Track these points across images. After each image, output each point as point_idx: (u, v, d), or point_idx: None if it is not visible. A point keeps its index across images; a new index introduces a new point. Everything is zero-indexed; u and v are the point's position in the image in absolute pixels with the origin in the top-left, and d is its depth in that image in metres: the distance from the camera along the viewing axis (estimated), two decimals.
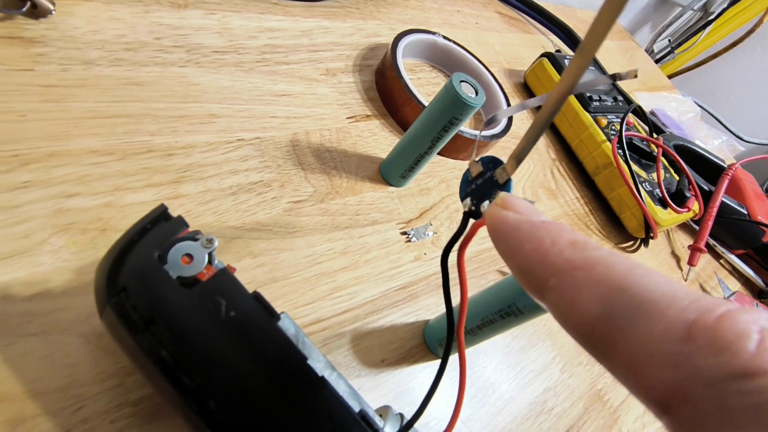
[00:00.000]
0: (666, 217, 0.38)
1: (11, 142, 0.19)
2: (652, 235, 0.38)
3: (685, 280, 0.42)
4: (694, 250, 0.43)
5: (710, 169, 0.49)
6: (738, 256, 0.48)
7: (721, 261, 0.48)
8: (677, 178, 0.43)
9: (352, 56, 0.35)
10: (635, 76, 0.15)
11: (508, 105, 0.37)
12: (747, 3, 0.81)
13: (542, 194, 0.38)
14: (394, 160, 0.29)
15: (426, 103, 0.31)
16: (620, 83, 0.57)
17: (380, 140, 0.31)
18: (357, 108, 0.32)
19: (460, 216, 0.16)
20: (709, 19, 0.84)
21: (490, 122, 0.17)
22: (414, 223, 0.29)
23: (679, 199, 0.40)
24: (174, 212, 0.16)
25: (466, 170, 0.16)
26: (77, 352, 0.17)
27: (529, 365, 0.28)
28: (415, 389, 0.23)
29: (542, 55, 0.44)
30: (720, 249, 0.47)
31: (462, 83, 0.25)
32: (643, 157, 0.42)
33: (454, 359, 0.21)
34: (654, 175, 0.41)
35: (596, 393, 0.29)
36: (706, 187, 0.45)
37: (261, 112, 0.27)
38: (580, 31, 0.63)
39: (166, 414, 0.17)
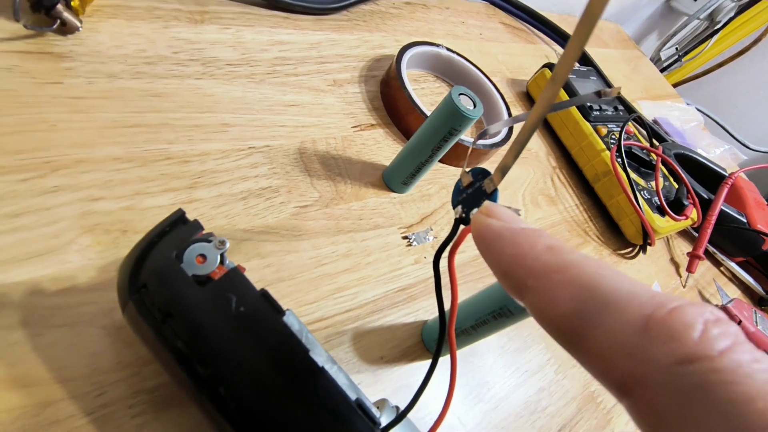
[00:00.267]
0: (663, 225, 0.39)
1: (43, 150, 0.21)
2: (649, 242, 0.39)
3: (684, 287, 0.43)
4: (692, 257, 0.43)
5: (711, 178, 0.49)
6: (738, 263, 0.48)
7: (722, 268, 0.49)
8: (676, 186, 0.44)
9: (359, 67, 0.36)
10: (618, 94, 0.17)
11: (509, 114, 0.39)
12: (754, 12, 0.81)
13: (542, 201, 0.39)
14: (397, 168, 0.30)
15: (428, 113, 0.33)
16: (624, 93, 0.58)
17: (384, 148, 0.33)
18: (362, 117, 0.33)
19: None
20: (716, 28, 0.84)
21: (483, 135, 0.18)
22: (415, 227, 0.30)
23: (677, 207, 0.41)
24: (189, 216, 0.18)
25: (458, 180, 0.17)
26: (100, 343, 0.18)
27: (524, 366, 0.29)
28: (412, 385, 0.24)
29: (544, 66, 0.45)
30: (720, 256, 0.48)
31: (461, 96, 0.26)
32: (643, 165, 0.43)
33: (459, 358, 0.23)
34: (653, 183, 0.42)
35: (590, 394, 0.30)
36: (705, 196, 0.46)
37: (271, 122, 0.29)
38: None
39: (178, 401, 0.18)
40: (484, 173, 0.16)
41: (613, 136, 0.43)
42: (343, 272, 0.26)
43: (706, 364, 0.08)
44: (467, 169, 0.17)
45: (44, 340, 0.17)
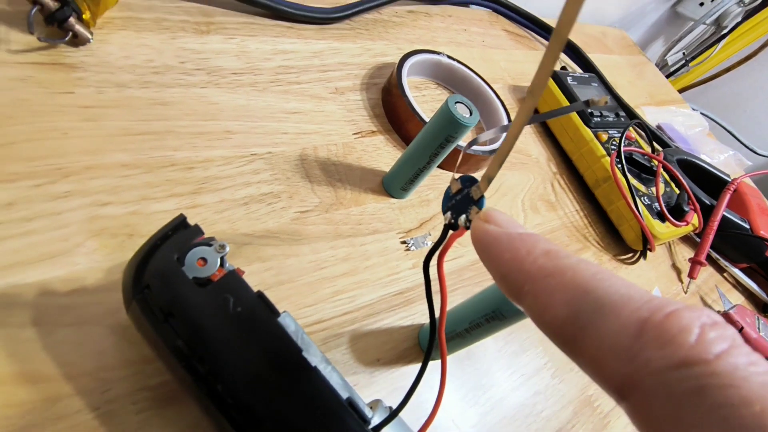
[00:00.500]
0: (664, 231, 0.39)
1: (55, 157, 0.22)
2: (649, 247, 0.39)
3: (686, 293, 0.43)
4: (694, 263, 0.44)
5: (714, 184, 0.49)
6: (742, 269, 0.48)
7: (725, 274, 0.49)
8: (678, 192, 0.44)
9: (360, 75, 0.37)
10: (606, 103, 0.17)
11: (509, 120, 0.39)
12: (761, 17, 0.81)
13: (541, 207, 0.40)
14: (396, 174, 0.31)
15: (428, 120, 0.33)
16: (628, 99, 0.59)
17: (384, 154, 0.33)
18: (363, 124, 0.34)
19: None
20: (723, 33, 0.84)
21: (473, 144, 0.19)
22: (414, 232, 0.31)
23: (677, 213, 0.41)
24: (192, 220, 0.18)
25: (448, 187, 0.18)
26: (106, 342, 0.19)
27: (521, 369, 0.29)
28: (407, 387, 0.24)
29: None
30: (723, 263, 0.48)
31: (457, 104, 0.27)
32: (644, 171, 0.43)
33: (452, 359, 0.23)
34: (653, 189, 0.42)
35: (587, 398, 0.31)
36: (708, 202, 0.46)
37: (273, 129, 0.30)
38: (588, 45, 0.64)
39: (179, 397, 0.19)
40: (472, 181, 0.17)
41: (613, 142, 0.43)
42: (341, 276, 0.26)
43: (702, 368, 0.08)
44: (456, 177, 0.18)
45: (54, 338, 0.18)
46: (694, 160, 0.51)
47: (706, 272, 0.47)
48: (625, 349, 0.09)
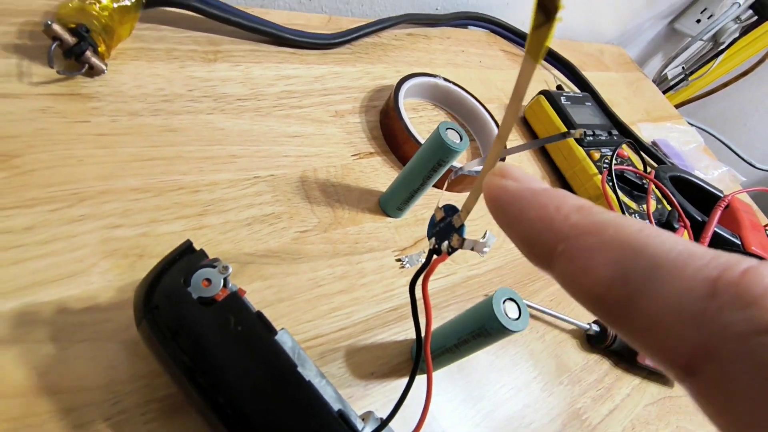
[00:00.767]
0: None
1: (71, 182, 0.24)
2: None
3: None
4: None
5: (707, 200, 0.50)
6: None
7: None
8: (669, 209, 0.45)
9: (360, 98, 0.39)
10: (581, 135, 0.19)
11: None
12: (758, 33, 0.82)
13: None
14: (392, 194, 0.32)
15: (423, 142, 0.35)
16: (624, 115, 0.60)
17: (381, 175, 0.35)
18: (361, 146, 0.36)
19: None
20: (720, 49, 0.85)
21: (457, 173, 0.20)
22: (409, 250, 0.32)
23: (667, 229, 0.42)
24: (198, 241, 0.20)
25: (433, 214, 0.19)
26: (117, 356, 0.20)
27: (511, 382, 0.30)
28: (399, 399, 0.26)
29: (539, 93, 0.47)
30: None
31: (448, 130, 0.28)
32: (636, 188, 0.44)
33: (444, 373, 0.24)
34: (645, 206, 0.43)
35: (575, 411, 0.32)
36: (699, 218, 0.47)
37: (275, 152, 0.31)
38: (585, 64, 0.66)
39: (185, 409, 0.20)
40: (454, 210, 0.19)
41: (606, 161, 0.44)
42: (338, 293, 0.28)
43: None
44: (440, 206, 0.19)
45: (70, 353, 0.20)
46: (687, 176, 0.52)
47: None
48: (695, 314, 0.08)
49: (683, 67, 0.98)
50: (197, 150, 0.28)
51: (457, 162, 0.35)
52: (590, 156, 0.44)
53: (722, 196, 0.51)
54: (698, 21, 0.83)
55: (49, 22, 0.25)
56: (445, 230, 0.18)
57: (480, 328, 0.23)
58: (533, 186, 0.11)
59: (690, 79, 0.97)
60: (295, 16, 0.41)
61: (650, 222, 0.41)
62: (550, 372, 0.32)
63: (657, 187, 0.45)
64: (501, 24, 0.56)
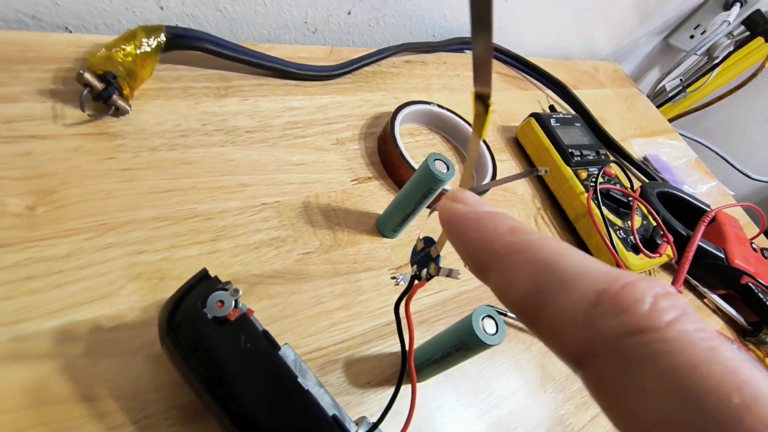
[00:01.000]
0: (637, 262, 0.43)
1: (100, 214, 0.27)
2: None
3: None
4: None
5: (694, 214, 0.53)
6: (721, 296, 0.51)
7: (705, 300, 0.52)
8: (655, 224, 0.48)
9: (359, 126, 0.42)
10: (546, 172, 0.22)
11: (493, 163, 0.43)
12: (751, 48, 0.84)
13: None
14: (387, 217, 0.35)
15: (417, 167, 0.38)
16: (616, 132, 0.63)
17: (378, 199, 0.38)
18: (360, 171, 0.39)
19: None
20: (714, 63, 0.87)
21: (432, 211, 0.23)
22: (403, 269, 0.35)
23: (651, 245, 0.44)
24: (211, 263, 0.23)
25: (414, 245, 0.22)
26: (143, 369, 0.24)
27: (497, 391, 0.33)
28: (394, 407, 0.29)
29: (530, 115, 0.50)
30: (702, 289, 0.51)
31: (436, 161, 0.31)
32: (621, 206, 0.47)
33: (434, 382, 0.27)
34: (629, 222, 0.46)
35: (559, 418, 0.34)
36: (684, 233, 0.49)
37: (281, 180, 0.34)
38: (579, 81, 0.69)
39: (203, 415, 0.23)
40: (431, 242, 0.21)
41: (593, 179, 0.47)
42: (338, 309, 0.31)
43: (653, 335, 0.09)
44: (420, 237, 0.22)
45: (102, 366, 0.23)
46: (674, 192, 0.54)
47: (686, 298, 0.50)
48: (583, 319, 0.10)
49: (681, 79, 1.00)
50: (210, 180, 0.32)
51: (449, 185, 0.38)
52: (578, 175, 0.46)
53: (709, 210, 0.53)
54: (692, 36, 0.85)
55: (81, 72, 0.29)
56: (425, 259, 0.21)
57: (461, 342, 0.26)
58: (478, 209, 0.13)
59: (688, 91, 0.99)
60: (300, 49, 0.44)
61: (635, 238, 0.44)
62: (535, 381, 0.35)
63: (642, 204, 0.47)
64: (495, 47, 0.59)
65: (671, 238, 0.46)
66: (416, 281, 0.21)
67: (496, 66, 0.60)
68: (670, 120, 1.07)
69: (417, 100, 0.43)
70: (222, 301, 0.22)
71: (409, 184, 0.32)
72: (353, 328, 0.31)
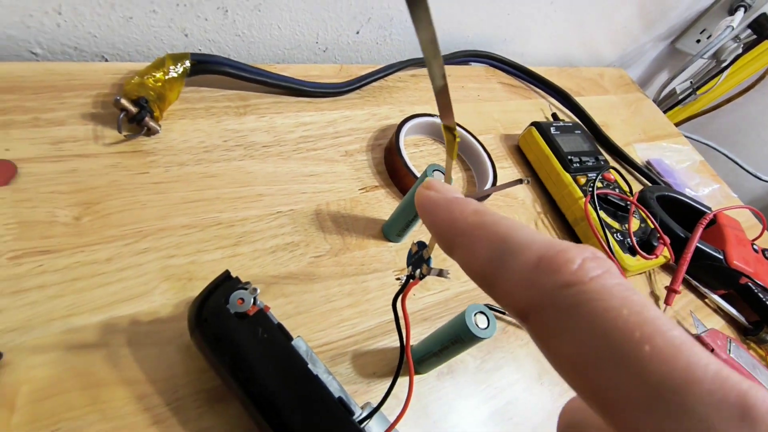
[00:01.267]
0: (634, 264, 0.45)
1: (137, 222, 0.31)
2: None
3: None
4: (669, 291, 0.49)
5: (694, 217, 0.54)
6: (722, 295, 0.53)
7: (706, 300, 0.53)
8: (652, 227, 0.49)
9: (367, 138, 0.45)
10: (528, 182, 0.24)
11: (494, 171, 0.46)
12: (758, 51, 0.85)
13: None
14: (392, 223, 0.38)
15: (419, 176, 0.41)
16: (619, 137, 0.64)
17: (384, 206, 0.41)
18: (368, 180, 0.42)
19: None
20: (723, 66, 0.88)
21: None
22: (407, 270, 0.38)
23: (647, 247, 0.46)
24: (233, 266, 0.26)
25: (410, 248, 0.25)
26: (175, 357, 0.27)
27: (496, 383, 0.36)
28: (398, 395, 0.32)
29: (531, 124, 0.53)
30: (703, 290, 0.52)
31: (435, 172, 0.34)
32: (620, 209, 0.49)
33: (435, 374, 0.30)
34: (626, 225, 0.48)
35: (554, 409, 0.36)
36: (682, 235, 0.51)
37: (294, 190, 0.38)
38: (582, 88, 0.71)
39: (226, 397, 0.27)
40: (424, 245, 0.24)
41: (591, 185, 0.49)
42: (346, 307, 0.34)
43: (580, 287, 0.11)
44: (415, 241, 0.25)
45: (140, 354, 0.26)
46: (674, 195, 0.56)
47: (687, 298, 0.52)
48: (527, 279, 0.11)
49: (691, 82, 1.01)
50: (231, 191, 0.35)
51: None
52: (576, 181, 0.49)
53: (708, 212, 0.54)
54: (698, 41, 0.86)
55: (118, 98, 0.32)
56: (418, 261, 0.24)
57: (456, 336, 0.28)
58: (447, 195, 0.15)
59: (698, 93, 1.00)
60: (311, 68, 0.47)
61: (631, 240, 0.46)
62: (531, 374, 0.37)
63: (638, 207, 0.49)
64: (498, 58, 0.62)
65: (667, 240, 0.48)
66: (411, 280, 0.24)
67: (500, 76, 0.63)
68: (681, 122, 1.08)
69: (421, 113, 0.46)
70: (242, 299, 0.25)
71: (411, 192, 0.35)
72: (360, 324, 0.34)
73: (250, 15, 0.44)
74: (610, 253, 0.44)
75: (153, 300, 0.28)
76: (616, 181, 0.52)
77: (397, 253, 0.38)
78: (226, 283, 0.25)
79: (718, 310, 0.53)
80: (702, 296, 0.53)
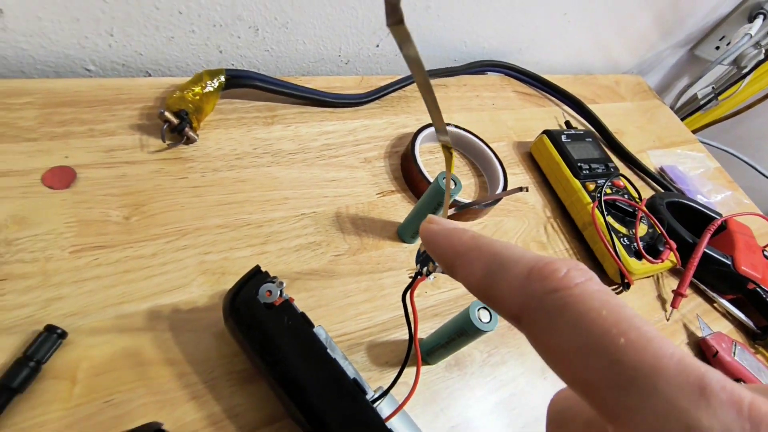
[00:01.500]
0: (639, 267, 0.47)
1: (177, 222, 0.35)
2: (627, 281, 0.47)
3: (667, 320, 0.50)
4: (676, 294, 0.50)
5: (705, 223, 0.55)
6: (730, 300, 0.54)
7: (715, 305, 0.54)
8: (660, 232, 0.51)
9: (385, 145, 0.48)
10: (527, 190, 0.27)
11: (505, 176, 0.49)
12: None
13: (533, 246, 0.48)
14: (407, 225, 0.41)
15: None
16: (634, 144, 0.66)
17: (400, 209, 0.44)
18: (385, 186, 0.45)
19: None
20: (743, 72, 0.88)
21: (461, 208, 0.29)
22: (416, 268, 0.41)
23: (654, 251, 0.48)
24: (261, 263, 0.30)
25: (419, 248, 0.28)
26: (211, 342, 0.31)
27: (500, 376, 0.38)
28: (407, 382, 0.35)
29: (542, 132, 0.55)
30: (711, 294, 0.53)
31: (444, 179, 0.37)
32: (627, 215, 0.50)
33: (443, 365, 0.33)
34: (633, 230, 0.49)
35: None
36: (690, 240, 0.52)
37: (317, 194, 0.41)
38: (598, 96, 0.72)
39: (255, 379, 0.30)
40: None
41: (600, 191, 0.51)
42: (363, 302, 0.37)
43: (566, 291, 0.12)
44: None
45: (181, 339, 0.30)
46: (685, 201, 0.57)
47: (694, 302, 0.53)
48: (519, 287, 0.13)
49: (713, 88, 1.01)
50: (260, 195, 0.39)
51: (460, 197, 0.43)
52: (585, 187, 0.51)
53: (719, 218, 0.55)
54: (717, 48, 0.87)
55: (162, 111, 0.36)
56: (426, 259, 0.27)
57: (461, 329, 0.31)
58: (447, 227, 0.17)
59: (719, 99, 1.00)
60: (334, 79, 0.51)
61: (638, 245, 0.48)
62: (535, 369, 0.40)
63: (646, 213, 0.51)
64: (512, 67, 0.64)
65: (674, 245, 0.49)
66: (419, 276, 0.27)
67: (514, 85, 0.65)
68: (702, 128, 1.08)
69: None
70: (270, 291, 0.29)
71: (424, 197, 0.38)
72: (376, 317, 0.37)
73: (278, 32, 0.48)
74: (615, 256, 0.46)
75: (191, 291, 0.32)
76: (625, 187, 0.54)
77: (411, 253, 0.41)
78: (256, 277, 0.29)
79: (727, 315, 0.54)
80: (710, 300, 0.54)
